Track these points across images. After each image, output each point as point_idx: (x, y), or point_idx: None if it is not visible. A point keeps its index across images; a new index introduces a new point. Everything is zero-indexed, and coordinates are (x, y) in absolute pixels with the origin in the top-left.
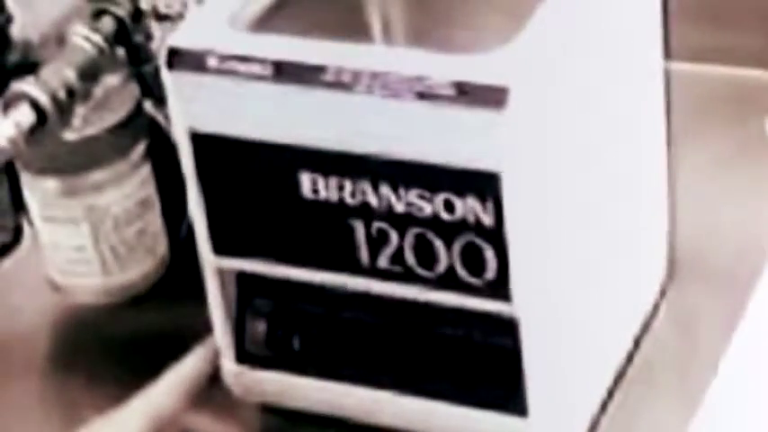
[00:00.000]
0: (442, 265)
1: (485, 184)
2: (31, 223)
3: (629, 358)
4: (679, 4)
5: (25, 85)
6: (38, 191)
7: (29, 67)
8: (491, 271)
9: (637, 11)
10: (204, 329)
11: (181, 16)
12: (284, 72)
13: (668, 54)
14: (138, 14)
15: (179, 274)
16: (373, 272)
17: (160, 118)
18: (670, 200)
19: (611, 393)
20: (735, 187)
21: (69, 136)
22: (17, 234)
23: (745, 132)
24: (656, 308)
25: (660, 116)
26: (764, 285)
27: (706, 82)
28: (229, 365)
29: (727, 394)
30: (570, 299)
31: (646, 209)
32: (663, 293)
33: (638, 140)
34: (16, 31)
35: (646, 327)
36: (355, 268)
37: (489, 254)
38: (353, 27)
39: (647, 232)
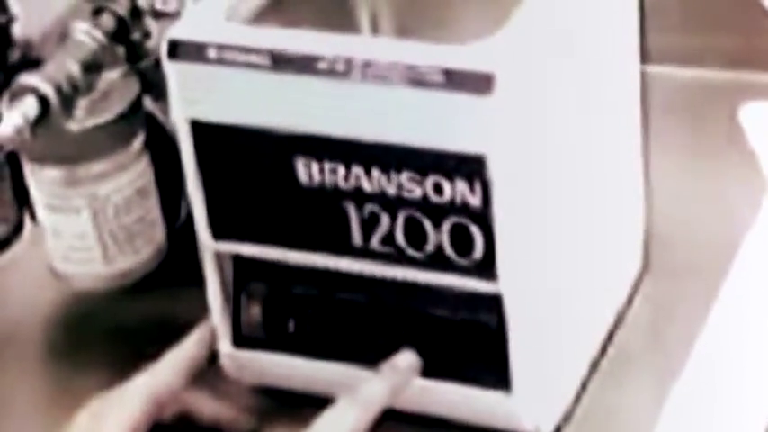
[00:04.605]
0: (431, 246)
1: (472, 168)
2: (32, 216)
3: (606, 343)
4: (653, 9)
5: (31, 78)
6: (41, 180)
7: (30, 64)
8: (478, 251)
9: (615, 14)
10: (200, 316)
11: (178, 14)
12: (281, 62)
13: (643, 56)
14: (136, 12)
15: (176, 262)
16: (365, 253)
17: (157, 112)
18: (645, 193)
19: (587, 379)
20: (706, 183)
21: (72, 127)
22: (18, 226)
23: (715, 130)
24: (631, 296)
25: (636, 113)
26: (735, 276)
27: (678, 83)
28: (226, 348)
29: (698, 381)
30: (553, 280)
31: (623, 198)
32: (638, 283)
33: (616, 137)
34: (18, 30)
35: (622, 314)
36: (348, 250)
37: (476, 235)
38: (344, 23)
39: (623, 220)
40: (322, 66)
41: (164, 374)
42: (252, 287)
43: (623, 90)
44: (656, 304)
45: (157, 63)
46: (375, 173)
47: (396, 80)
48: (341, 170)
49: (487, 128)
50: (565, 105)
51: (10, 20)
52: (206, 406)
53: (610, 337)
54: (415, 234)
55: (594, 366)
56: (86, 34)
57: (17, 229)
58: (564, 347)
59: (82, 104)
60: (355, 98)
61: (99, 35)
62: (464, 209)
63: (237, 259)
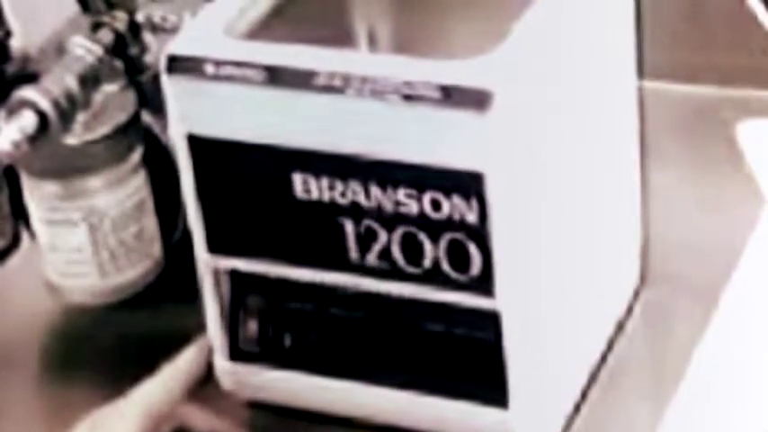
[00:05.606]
0: (428, 262)
1: (469, 184)
2: (28, 229)
3: (604, 357)
4: (650, 26)
5: (28, 92)
6: (38, 194)
7: (27, 78)
8: (475, 267)
9: (612, 30)
10: (196, 331)
11: (175, 29)
12: (278, 77)
13: (641, 73)
14: (134, 27)
15: (172, 277)
16: (362, 269)
17: (155, 127)
18: (643, 206)
19: (586, 391)
20: (703, 196)
21: (70, 141)
22: (15, 240)
23: (713, 147)
24: (629, 310)
25: (633, 129)
26: (732, 289)
27: (676, 99)
28: (222, 363)
29: (696, 394)
30: (550, 296)
31: (620, 214)
32: (636, 296)
33: (613, 152)
34: (15, 44)
35: (620, 327)
36: (345, 265)
37: (474, 251)
38: (342, 38)
39: (621, 236)
40: (319, 81)
41: (160, 389)
42: (249, 302)
43: (621, 105)
44: (653, 317)
45: (155, 77)
46: (372, 188)
47: (393, 96)
48: (338, 186)
49: (484, 144)
50: (562, 121)
51: (7, 34)
52: (202, 420)
53: (608, 349)
54: (412, 250)
55: (591, 380)
56: (84, 49)
57: (14, 242)
58: (562, 362)
59: (80, 118)
60: (352, 114)
61: (97, 50)
62: (461, 225)
63: (234, 274)
